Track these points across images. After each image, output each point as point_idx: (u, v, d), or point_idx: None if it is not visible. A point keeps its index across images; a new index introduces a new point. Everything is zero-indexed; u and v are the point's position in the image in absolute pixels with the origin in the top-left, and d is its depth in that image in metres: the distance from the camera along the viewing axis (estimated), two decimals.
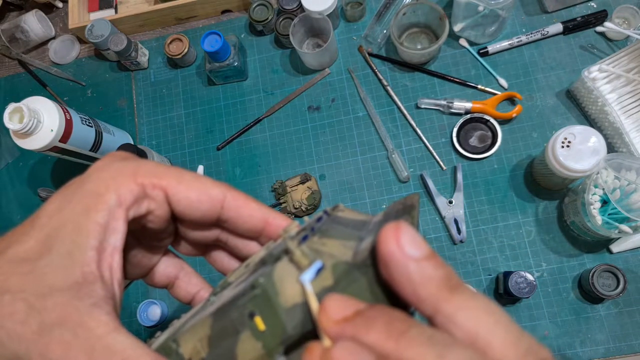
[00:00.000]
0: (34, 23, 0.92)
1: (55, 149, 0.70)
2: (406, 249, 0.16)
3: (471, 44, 0.81)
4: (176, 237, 0.28)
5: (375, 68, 0.83)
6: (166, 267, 0.29)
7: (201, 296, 0.29)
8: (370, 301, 0.17)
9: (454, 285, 0.16)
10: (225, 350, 0.19)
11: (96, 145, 0.77)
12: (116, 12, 0.95)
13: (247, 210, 0.25)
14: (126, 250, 0.25)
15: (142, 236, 0.26)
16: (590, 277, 0.64)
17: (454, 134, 0.77)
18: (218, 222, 0.25)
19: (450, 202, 0.75)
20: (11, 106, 0.65)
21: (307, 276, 0.18)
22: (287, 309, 0.18)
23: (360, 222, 0.22)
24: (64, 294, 0.19)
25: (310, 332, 0.18)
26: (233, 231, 0.26)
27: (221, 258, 0.29)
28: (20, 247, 0.20)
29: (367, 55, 0.84)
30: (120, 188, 0.21)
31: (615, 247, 0.69)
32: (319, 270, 0.18)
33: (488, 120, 0.76)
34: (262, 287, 0.19)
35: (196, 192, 0.24)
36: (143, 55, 0.90)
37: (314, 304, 0.18)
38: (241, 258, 0.28)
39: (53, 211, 0.21)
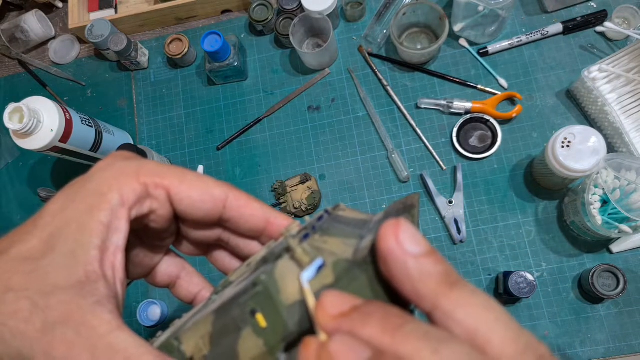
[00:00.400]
0: (34, 23, 0.92)
1: (55, 149, 0.70)
2: (405, 246, 0.16)
3: (471, 44, 0.81)
4: (178, 237, 0.28)
5: (375, 68, 0.83)
6: (168, 266, 0.29)
7: (203, 296, 0.29)
8: (370, 298, 0.18)
9: (453, 282, 0.16)
10: (227, 348, 0.19)
11: (96, 145, 0.77)
12: (116, 12, 0.95)
13: (249, 210, 0.25)
14: (128, 249, 0.25)
15: (144, 236, 0.26)
16: (590, 277, 0.64)
17: (454, 134, 0.77)
18: (220, 222, 0.25)
19: (450, 202, 0.75)
20: (11, 106, 0.65)
21: (308, 274, 0.18)
22: (288, 306, 0.18)
23: (361, 221, 0.22)
24: (67, 293, 0.19)
25: (311, 330, 0.18)
26: (235, 231, 0.26)
27: (222, 258, 0.29)
28: (24, 246, 0.20)
29: (367, 55, 0.84)
30: (123, 187, 0.22)
31: (615, 247, 0.69)
32: (320, 268, 0.18)
33: (488, 120, 0.76)
34: (264, 284, 0.19)
35: (198, 191, 0.24)
36: (143, 55, 0.90)
37: (310, 300, 0.18)
38: (242, 258, 0.29)
39: (56, 211, 0.21)
